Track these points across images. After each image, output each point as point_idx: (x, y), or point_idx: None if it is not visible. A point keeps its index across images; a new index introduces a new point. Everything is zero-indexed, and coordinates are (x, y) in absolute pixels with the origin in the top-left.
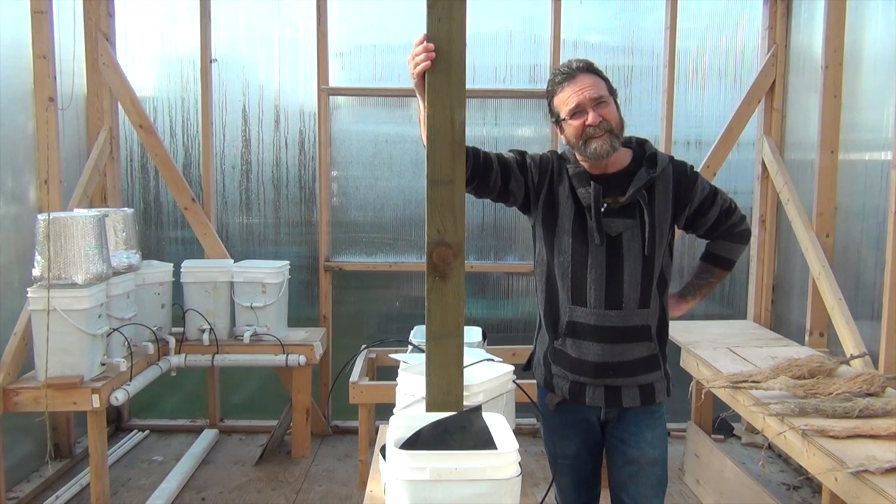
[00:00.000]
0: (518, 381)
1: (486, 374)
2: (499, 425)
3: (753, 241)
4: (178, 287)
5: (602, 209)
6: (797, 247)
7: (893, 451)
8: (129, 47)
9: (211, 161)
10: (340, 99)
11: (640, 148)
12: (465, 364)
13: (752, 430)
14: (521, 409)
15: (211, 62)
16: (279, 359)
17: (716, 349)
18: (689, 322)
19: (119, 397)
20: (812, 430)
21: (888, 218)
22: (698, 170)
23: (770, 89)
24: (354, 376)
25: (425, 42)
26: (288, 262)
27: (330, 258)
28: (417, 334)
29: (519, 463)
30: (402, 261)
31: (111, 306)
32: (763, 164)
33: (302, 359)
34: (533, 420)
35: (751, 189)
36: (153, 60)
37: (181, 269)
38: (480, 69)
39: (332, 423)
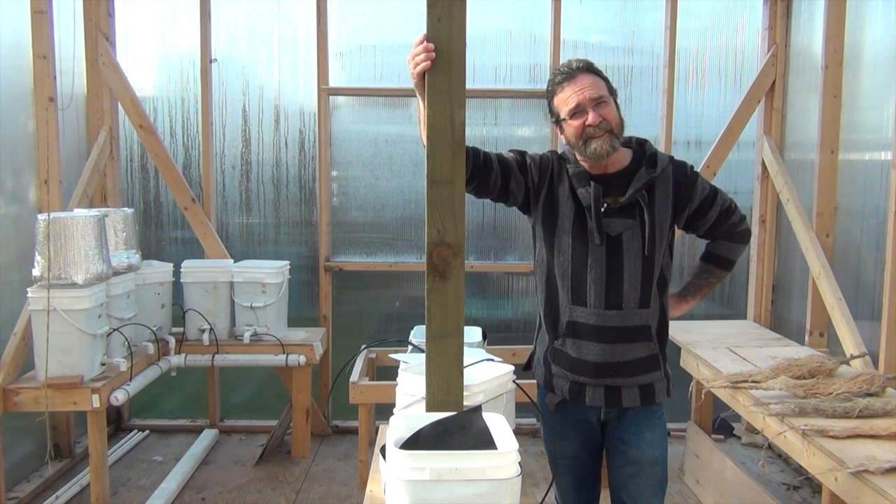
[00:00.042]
0: (518, 381)
1: (486, 374)
2: (499, 425)
3: (753, 241)
4: (178, 287)
5: (602, 209)
6: (797, 247)
7: (893, 451)
8: (129, 47)
9: (211, 161)
10: (340, 99)
11: (640, 148)
12: (465, 364)
13: (752, 430)
14: (521, 409)
15: (211, 62)
16: (279, 359)
17: (716, 349)
18: (689, 322)
19: (119, 397)
20: (812, 430)
21: (888, 218)
22: (698, 170)
23: (770, 89)
24: (354, 376)
25: (425, 42)
26: (288, 262)
27: (330, 258)
28: (417, 334)
29: (519, 463)
30: (402, 261)
31: (111, 306)
32: (763, 164)
33: (302, 359)
34: (533, 420)
35: (751, 189)
36: (153, 60)
37: (181, 269)
38: (480, 69)
39: (332, 423)
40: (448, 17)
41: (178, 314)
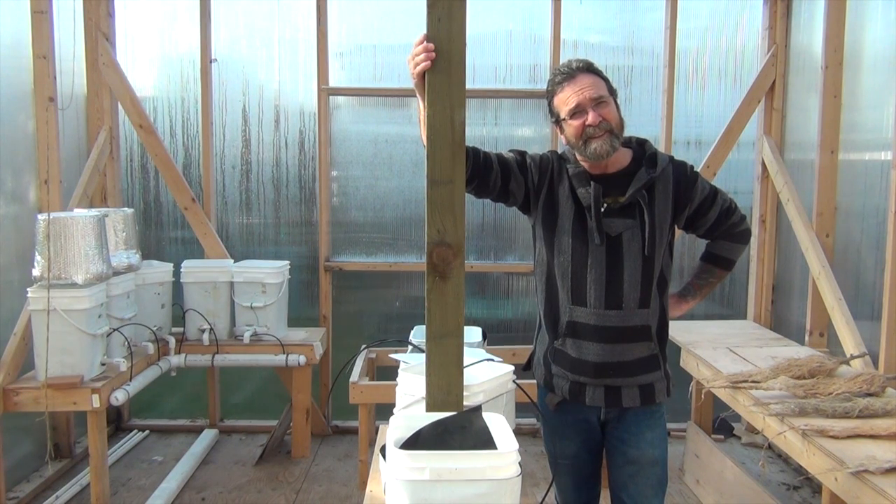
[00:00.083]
0: (518, 381)
1: (486, 374)
2: (499, 425)
3: (753, 241)
4: (178, 287)
5: (602, 209)
6: (797, 247)
7: (893, 451)
8: (129, 47)
9: (211, 161)
10: (340, 99)
11: (640, 148)
12: (465, 364)
13: (752, 430)
14: (521, 409)
15: (211, 62)
16: (279, 359)
17: (716, 349)
18: (689, 322)
19: (119, 397)
20: (812, 430)
21: (888, 218)
22: (698, 170)
23: (770, 89)
24: (354, 376)
25: (425, 42)
26: (288, 262)
27: (330, 258)
28: (417, 334)
29: (519, 463)
30: (402, 261)
31: (111, 306)
32: (763, 164)
33: (302, 359)
34: (533, 420)
35: (751, 189)
36: (153, 60)
37: (181, 269)
38: (480, 69)
39: (332, 423)
40: (448, 17)
41: (178, 314)
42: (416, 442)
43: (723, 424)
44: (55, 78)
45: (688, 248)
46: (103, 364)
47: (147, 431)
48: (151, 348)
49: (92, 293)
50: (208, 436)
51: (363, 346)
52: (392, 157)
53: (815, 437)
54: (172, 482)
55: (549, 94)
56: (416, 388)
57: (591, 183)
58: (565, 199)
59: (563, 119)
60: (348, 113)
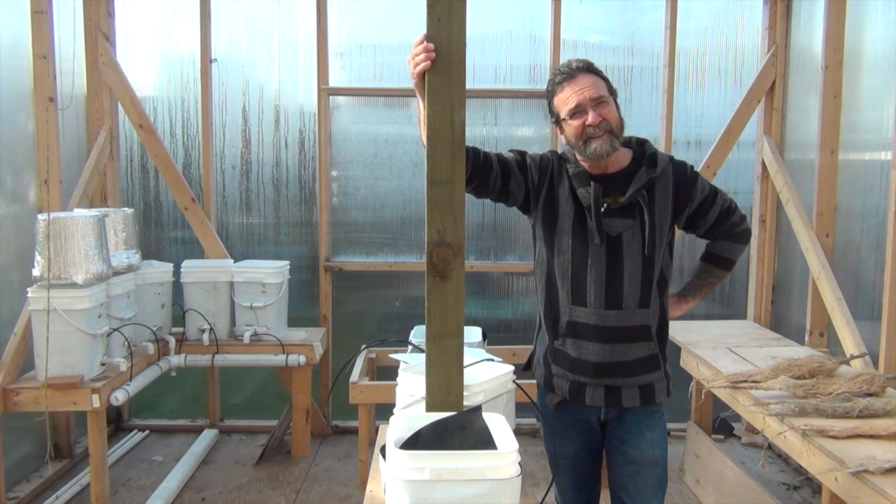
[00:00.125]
0: (518, 381)
1: (486, 374)
2: (499, 425)
3: (753, 241)
4: (178, 287)
5: (602, 209)
6: (797, 247)
7: (893, 451)
8: (129, 47)
9: (211, 161)
10: (340, 99)
11: (640, 148)
12: (465, 364)
13: (752, 430)
14: (521, 409)
15: (211, 62)
16: (279, 359)
17: (716, 349)
18: (689, 322)
19: (119, 397)
20: (812, 430)
21: (888, 218)
22: (698, 170)
23: (770, 89)
24: (354, 376)
25: (425, 42)
26: (288, 262)
27: (330, 258)
28: (417, 334)
29: (519, 463)
30: (402, 261)
31: (111, 306)
32: (763, 164)
33: (302, 359)
34: (533, 420)
35: (751, 189)
36: (153, 60)
37: (181, 269)
38: (480, 69)
39: (332, 423)
40: (448, 17)
41: (178, 314)
42: (416, 442)
43: (723, 424)
44: (55, 78)
45: (688, 248)
46: (103, 364)
47: (147, 431)
48: (151, 348)
49: (92, 293)
50: (208, 436)
51: (363, 346)
52: (392, 157)
53: (815, 437)
54: (172, 482)
55: (549, 94)
56: (416, 388)
57: (591, 183)
58: (565, 199)
59: (563, 119)
60: (348, 113)
